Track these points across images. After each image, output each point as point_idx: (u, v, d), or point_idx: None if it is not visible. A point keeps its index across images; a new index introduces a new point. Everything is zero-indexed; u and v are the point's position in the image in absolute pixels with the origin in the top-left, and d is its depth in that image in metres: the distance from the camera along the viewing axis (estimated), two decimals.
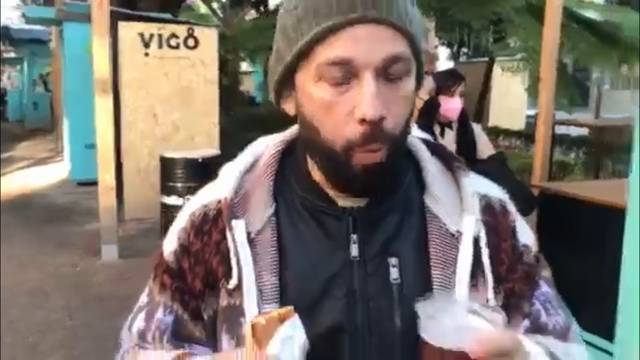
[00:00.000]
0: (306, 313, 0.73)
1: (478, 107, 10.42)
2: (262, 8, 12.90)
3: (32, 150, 12.45)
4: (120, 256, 5.22)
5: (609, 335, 2.93)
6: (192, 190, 5.64)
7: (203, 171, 5.71)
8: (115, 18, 6.07)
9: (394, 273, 0.78)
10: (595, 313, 3.04)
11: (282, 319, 0.68)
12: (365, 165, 0.74)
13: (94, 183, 5.67)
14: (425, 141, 0.89)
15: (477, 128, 2.96)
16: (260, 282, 0.77)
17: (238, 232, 0.79)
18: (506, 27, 8.56)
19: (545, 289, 0.85)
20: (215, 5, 14.01)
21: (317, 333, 0.74)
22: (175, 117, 6.69)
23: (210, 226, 0.82)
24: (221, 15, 13.34)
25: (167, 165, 5.75)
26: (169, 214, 5.72)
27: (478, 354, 0.62)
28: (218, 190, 0.83)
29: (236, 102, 11.65)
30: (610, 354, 2.97)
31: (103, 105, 5.05)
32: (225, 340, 0.79)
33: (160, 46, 6.56)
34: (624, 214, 2.79)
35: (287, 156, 0.86)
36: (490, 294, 0.78)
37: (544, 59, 5.27)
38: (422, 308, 0.68)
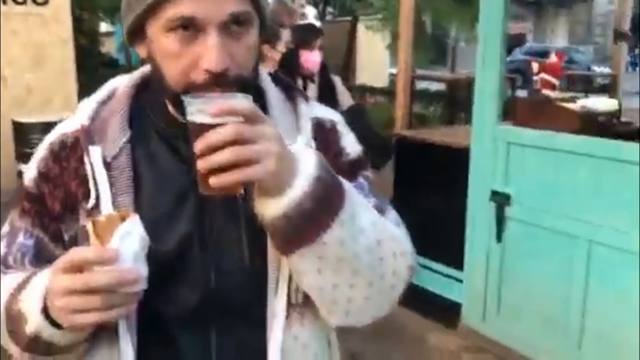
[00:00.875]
0: (158, 224, 0.82)
1: (344, 64, 10.68)
2: None
3: None
4: None
5: (459, 265, 3.25)
6: None
7: None
8: None
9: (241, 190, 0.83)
10: (447, 245, 3.35)
11: (122, 219, 0.72)
12: None
13: None
14: (271, 74, 0.96)
15: (338, 81, 3.08)
16: (116, 202, 0.83)
17: (95, 156, 0.84)
18: None
19: (361, 181, 0.92)
20: None
21: (168, 242, 0.83)
22: (28, 79, 6.24)
23: (69, 152, 0.87)
24: None
25: (22, 131, 5.40)
26: None
27: (216, 112, 0.69)
28: (76, 119, 0.89)
29: (96, 63, 11.03)
30: (460, 280, 3.30)
31: None
32: None
33: (4, 2, 6.03)
34: (469, 154, 3.08)
35: (143, 89, 0.92)
36: None
37: (402, 17, 5.50)
38: (191, 102, 0.72)
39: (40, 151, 0.90)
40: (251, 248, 0.85)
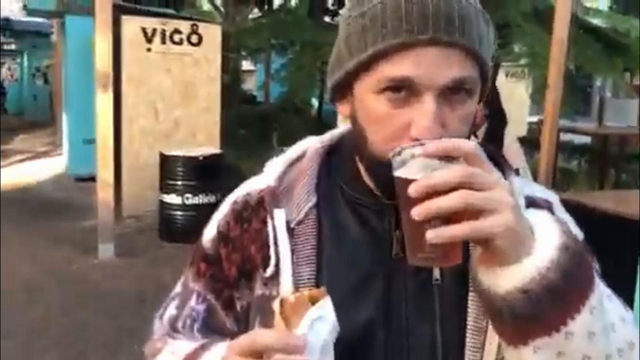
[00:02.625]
0: (342, 306, 0.71)
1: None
2: (265, 6, 12.82)
3: (31, 143, 12.35)
4: (116, 254, 5.13)
5: None
6: (191, 189, 5.60)
7: (203, 170, 5.66)
8: (118, 12, 5.98)
9: (436, 273, 0.76)
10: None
11: (312, 300, 0.66)
12: None
13: (92, 178, 5.58)
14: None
15: (509, 137, 2.83)
16: (297, 273, 0.76)
17: (279, 220, 0.78)
18: (512, 32, 8.49)
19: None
20: (218, 2, 13.92)
21: (351, 327, 0.72)
22: (177, 113, 6.61)
23: (251, 213, 0.82)
24: (224, 12, 13.26)
25: (167, 163, 5.68)
26: (167, 212, 5.66)
27: (435, 151, 0.61)
28: (262, 179, 0.84)
29: (237, 100, 11.56)
30: None
31: (103, 101, 4.96)
32: (258, 329, 0.78)
33: (163, 41, 6.47)
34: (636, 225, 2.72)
35: (334, 152, 0.86)
36: None
37: (552, 65, 5.22)
38: (401, 152, 0.64)
39: (222, 209, 0.86)
40: (445, 343, 0.74)
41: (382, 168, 0.68)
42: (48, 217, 6.46)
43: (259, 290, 0.79)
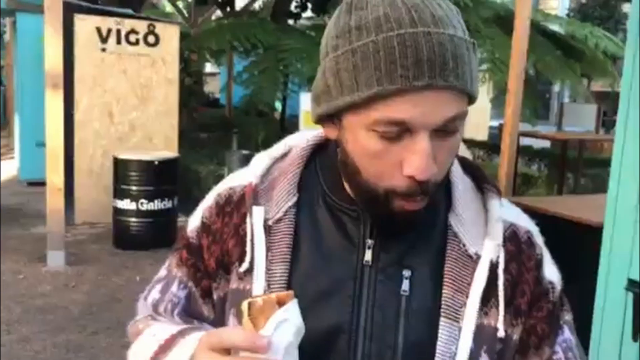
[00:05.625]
0: (310, 308, 0.75)
1: None
2: (228, 9, 12.65)
3: None
4: (67, 262, 4.92)
5: None
6: (146, 195, 5.42)
7: (159, 175, 5.49)
8: (70, 10, 5.76)
9: (405, 285, 0.78)
10: None
11: (280, 302, 0.69)
12: (407, 211, 0.73)
13: (45, 183, 5.36)
14: (460, 158, 0.86)
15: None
16: (271, 270, 0.79)
17: (257, 218, 0.80)
18: (473, 37, 8.56)
19: (568, 334, 0.83)
20: (180, 4, 13.69)
21: (317, 330, 0.76)
22: (133, 116, 6.40)
23: (233, 208, 0.84)
24: (186, 14, 13.04)
25: (120, 167, 5.49)
26: (121, 218, 5.47)
27: None
28: (246, 174, 0.85)
29: (199, 103, 11.37)
30: None
31: (54, 101, 4.75)
32: (231, 322, 0.81)
33: (118, 42, 6.26)
34: (599, 233, 2.70)
35: (319, 153, 0.86)
36: (500, 323, 0.77)
37: (512, 70, 5.22)
38: None
39: (208, 200, 0.88)
40: (406, 351, 0.77)
41: (373, 198, 0.73)
42: None
43: (234, 283, 0.81)
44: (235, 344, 0.67)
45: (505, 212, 0.83)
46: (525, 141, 9.33)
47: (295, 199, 0.82)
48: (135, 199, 5.39)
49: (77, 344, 3.55)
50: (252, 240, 0.80)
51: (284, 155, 0.87)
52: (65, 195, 5.00)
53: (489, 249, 0.78)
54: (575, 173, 7.98)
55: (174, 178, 5.61)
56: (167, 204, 5.45)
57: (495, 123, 12.32)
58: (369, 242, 0.79)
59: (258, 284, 0.79)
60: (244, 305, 0.69)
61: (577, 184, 7.87)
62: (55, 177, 4.82)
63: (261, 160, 0.87)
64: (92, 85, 6.23)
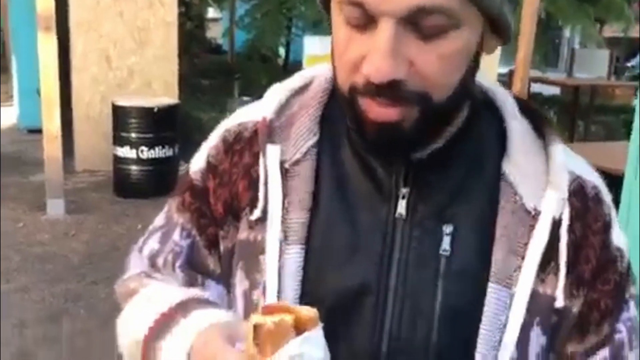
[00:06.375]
0: (331, 264, 0.68)
1: None
2: None
3: None
4: (67, 211, 4.84)
5: None
6: (146, 142, 5.30)
7: (159, 122, 5.36)
8: None
9: (446, 243, 0.68)
10: None
11: (299, 326, 0.53)
12: (378, 122, 0.62)
13: None
14: (517, 98, 0.74)
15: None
16: (287, 219, 0.69)
17: (271, 158, 0.70)
18: None
19: (633, 312, 0.72)
20: None
21: (337, 291, 0.67)
22: (131, 61, 6.21)
23: (243, 146, 0.74)
24: None
25: (119, 114, 5.35)
26: (121, 166, 5.37)
27: None
28: (259, 108, 0.75)
29: (201, 48, 11.11)
30: None
31: (46, 46, 4.57)
32: (239, 278, 0.72)
33: None
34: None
35: None
36: (560, 292, 0.67)
37: (525, 12, 5.00)
38: None
39: (213, 138, 0.77)
40: (444, 318, 0.67)
41: (345, 102, 0.63)
42: None
43: (243, 233, 0.72)
44: None
45: (571, 162, 0.71)
46: (534, 88, 9.11)
47: (316, 137, 0.72)
48: (135, 146, 5.27)
49: (76, 294, 3.51)
50: (266, 184, 0.70)
51: (304, 87, 0.76)
52: (65, 142, 4.90)
53: (552, 204, 0.67)
54: (586, 120, 7.82)
55: (174, 125, 5.47)
56: (168, 151, 5.32)
57: (503, 70, 12.05)
58: (404, 190, 0.68)
59: (272, 234, 0.69)
60: (250, 323, 0.54)
61: (588, 131, 7.72)
62: (51, 124, 4.70)
63: (276, 92, 0.75)
64: (88, 30, 6.00)
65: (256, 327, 0.53)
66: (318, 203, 0.70)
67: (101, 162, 5.85)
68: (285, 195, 0.70)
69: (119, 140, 5.33)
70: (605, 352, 0.70)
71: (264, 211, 0.70)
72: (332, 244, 0.69)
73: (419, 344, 0.67)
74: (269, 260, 0.69)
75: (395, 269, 0.68)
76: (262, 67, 10.10)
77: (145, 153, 5.30)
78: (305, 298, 0.68)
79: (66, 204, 4.86)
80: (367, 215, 0.69)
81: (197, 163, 0.78)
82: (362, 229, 0.69)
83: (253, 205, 0.71)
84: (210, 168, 0.75)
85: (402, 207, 0.68)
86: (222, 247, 0.75)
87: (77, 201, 5.10)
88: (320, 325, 0.55)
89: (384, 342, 0.67)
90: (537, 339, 0.68)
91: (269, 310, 0.54)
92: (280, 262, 0.69)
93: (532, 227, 0.67)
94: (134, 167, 5.34)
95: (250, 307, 0.70)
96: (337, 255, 0.69)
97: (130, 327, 0.71)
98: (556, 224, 0.67)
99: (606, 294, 0.70)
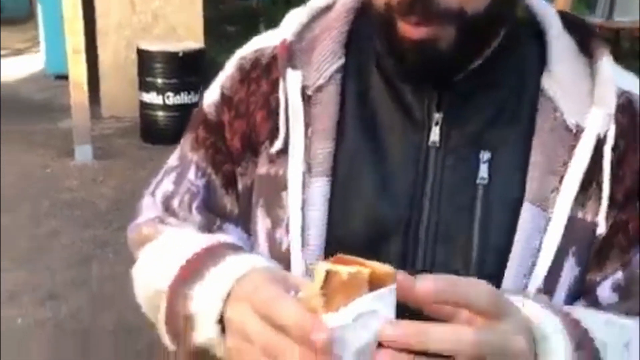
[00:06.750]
0: (359, 197, 0.63)
1: None
2: None
3: (9, 40, 11.74)
4: (94, 157, 4.85)
5: None
6: (172, 88, 5.24)
7: (184, 66, 5.28)
8: None
9: (483, 170, 0.63)
10: None
11: (373, 281, 0.47)
12: (414, 40, 0.58)
13: None
14: (561, 12, 0.68)
15: None
16: (311, 150, 0.65)
17: (292, 84, 0.65)
18: None
19: None
20: None
21: (368, 223, 0.63)
22: (155, 5, 6.10)
23: (261, 73, 0.69)
24: None
25: (145, 59, 5.29)
26: (147, 112, 5.34)
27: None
28: (277, 33, 0.69)
29: None
30: None
31: None
32: (260, 217, 0.68)
33: None
34: None
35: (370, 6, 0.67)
36: (602, 217, 0.62)
37: None
38: None
39: (228, 68, 0.72)
40: (482, 255, 0.62)
41: (379, 22, 0.58)
42: (25, 118, 6.12)
43: (263, 167, 0.67)
44: (283, 324, 0.48)
45: (619, 76, 0.65)
46: None
47: (341, 61, 0.67)
48: (161, 92, 5.22)
49: (103, 240, 3.53)
50: (286, 112, 0.65)
51: (328, 7, 0.71)
52: (92, 88, 4.87)
53: (597, 120, 0.61)
54: (626, 65, 7.50)
55: (200, 70, 5.39)
56: (194, 97, 5.26)
57: None
58: (436, 116, 0.63)
59: (294, 167, 0.65)
60: (320, 269, 0.48)
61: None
62: (76, 70, 4.67)
63: (297, 14, 0.70)
64: None
65: (328, 275, 0.47)
66: (343, 132, 0.65)
67: (127, 108, 5.83)
68: (307, 125, 0.65)
69: (144, 86, 5.29)
70: (619, 275, 0.64)
71: (285, 142, 0.65)
72: (359, 176, 0.65)
73: None
74: (292, 193, 0.64)
75: (428, 200, 0.63)
76: (287, 11, 9.86)
77: (172, 99, 5.26)
78: (331, 233, 0.64)
79: (94, 150, 4.88)
80: (397, 144, 0.65)
81: (210, 96, 0.73)
82: (391, 159, 0.64)
83: (273, 136, 0.66)
84: (225, 100, 0.71)
85: (435, 134, 0.64)
86: (240, 186, 0.71)
87: (105, 147, 5.11)
88: (395, 284, 0.49)
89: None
90: (571, 271, 0.63)
91: (340, 262, 0.49)
92: (304, 195, 0.64)
93: (573, 146, 0.62)
94: (160, 113, 5.30)
95: (275, 249, 0.66)
96: (365, 187, 0.64)
97: (150, 276, 0.66)
98: (599, 143, 0.62)
99: (635, 219, 0.64)
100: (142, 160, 4.90)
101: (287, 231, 0.65)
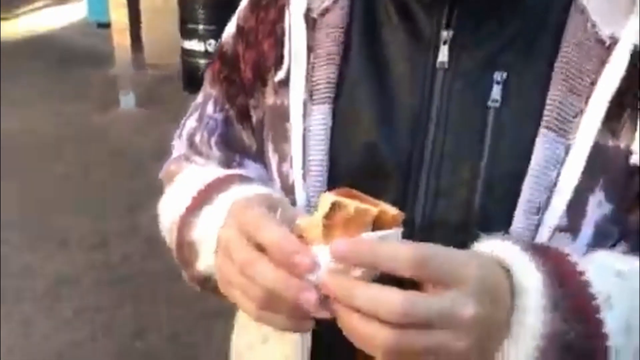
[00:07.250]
0: (361, 125, 0.60)
1: None
2: None
3: None
4: (137, 104, 4.85)
5: None
6: (214, 34, 5.14)
7: (227, 12, 5.16)
8: None
9: (496, 92, 0.56)
10: None
11: (378, 220, 0.46)
12: None
13: None
14: None
15: None
16: (313, 77, 0.61)
17: (296, 7, 0.63)
18: None
19: None
20: None
21: (370, 152, 0.59)
22: None
23: (270, 1, 0.67)
24: None
25: (186, 5, 5.19)
26: (189, 59, 5.28)
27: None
28: None
29: None
30: None
31: None
32: (270, 152, 0.65)
33: None
34: None
35: None
36: (637, 144, 0.53)
37: None
38: None
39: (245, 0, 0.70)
40: (489, 184, 0.56)
41: None
42: (69, 65, 6.15)
43: (270, 97, 0.65)
44: (264, 243, 0.47)
45: None
46: None
47: None
48: (203, 39, 5.15)
49: (149, 188, 3.54)
50: (290, 38, 0.62)
51: None
52: (135, 37, 4.84)
53: (634, 30, 0.53)
54: None
55: None
56: None
57: None
58: (445, 34, 0.57)
59: (295, 95, 0.62)
60: (325, 200, 0.46)
61: None
62: (118, 15, 4.64)
63: None
64: None
65: (334, 206, 0.45)
66: (348, 58, 0.62)
67: (170, 55, 5.79)
68: (310, 50, 0.62)
69: (186, 33, 5.22)
70: (633, 217, 0.56)
71: (289, 71, 0.63)
72: (361, 103, 0.61)
73: (458, 214, 0.57)
74: (294, 123, 0.62)
75: (433, 129, 0.58)
76: None
77: (213, 46, 5.18)
78: (332, 163, 0.61)
79: (137, 97, 4.87)
80: (402, 66, 0.60)
81: (228, 29, 0.71)
82: (396, 83, 0.60)
83: (278, 65, 0.64)
84: (239, 31, 0.69)
85: (443, 54, 0.58)
86: (254, 119, 0.69)
87: (148, 95, 5.09)
88: (401, 229, 0.47)
89: (417, 211, 0.58)
90: (599, 207, 0.55)
91: (349, 195, 0.47)
92: (304, 124, 0.61)
93: (604, 61, 0.54)
94: (202, 61, 5.24)
95: (284, 183, 0.63)
96: (367, 115, 0.60)
97: (169, 209, 0.67)
98: (634, 58, 0.53)
99: None
100: (186, 108, 4.85)
101: (291, 164, 0.63)
